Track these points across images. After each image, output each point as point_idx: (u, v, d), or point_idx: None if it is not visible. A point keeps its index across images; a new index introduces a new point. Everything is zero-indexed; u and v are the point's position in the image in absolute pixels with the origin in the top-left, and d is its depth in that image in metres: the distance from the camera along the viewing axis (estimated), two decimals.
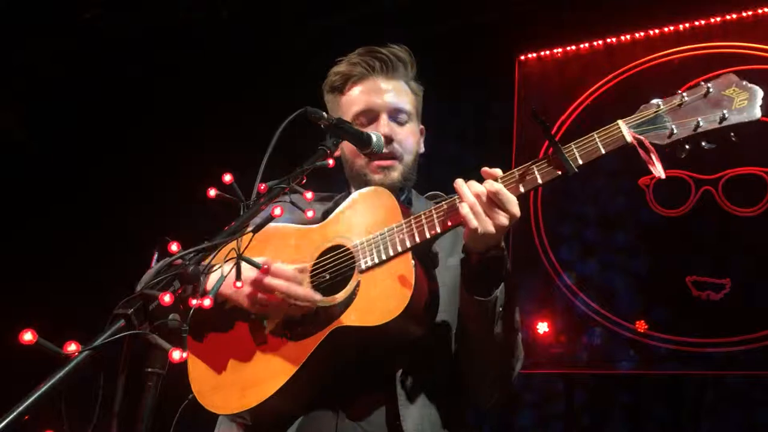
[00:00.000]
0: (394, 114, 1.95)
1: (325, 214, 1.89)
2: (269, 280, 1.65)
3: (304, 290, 1.69)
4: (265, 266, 1.45)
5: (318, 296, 1.70)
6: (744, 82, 1.56)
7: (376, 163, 1.90)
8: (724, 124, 1.53)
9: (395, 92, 1.97)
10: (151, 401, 1.16)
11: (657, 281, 4.48)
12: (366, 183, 1.92)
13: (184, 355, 1.14)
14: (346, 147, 1.93)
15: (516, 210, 1.57)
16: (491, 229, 1.56)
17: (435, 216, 1.67)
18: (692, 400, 4.28)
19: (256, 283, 1.65)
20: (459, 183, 1.62)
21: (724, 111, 1.53)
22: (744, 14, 4.61)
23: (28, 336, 1.05)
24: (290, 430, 1.71)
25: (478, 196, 1.57)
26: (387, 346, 1.70)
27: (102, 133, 5.57)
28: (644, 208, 4.58)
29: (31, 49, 5.33)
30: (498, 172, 1.63)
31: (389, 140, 1.90)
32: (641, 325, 4.43)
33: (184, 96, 5.39)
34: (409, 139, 1.97)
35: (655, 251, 4.55)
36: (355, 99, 1.97)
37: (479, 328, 1.70)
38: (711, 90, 1.56)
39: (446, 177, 1.76)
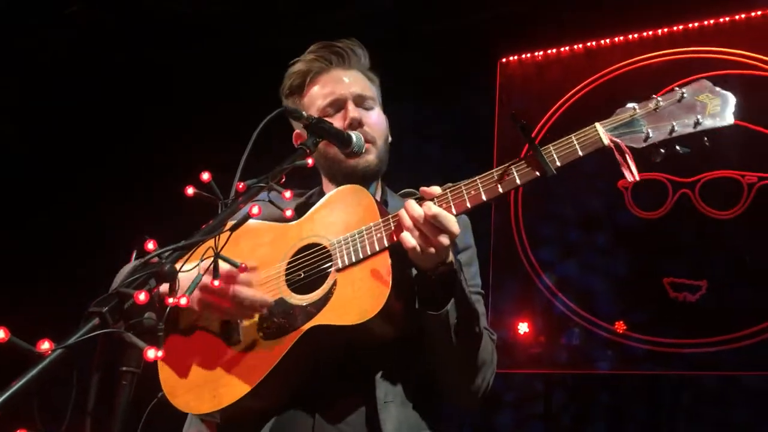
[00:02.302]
0: (360, 101, 1.95)
1: (299, 210, 1.85)
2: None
3: (254, 293, 1.66)
4: (243, 265, 1.44)
5: (269, 299, 1.68)
6: (717, 88, 1.58)
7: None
8: (698, 128, 1.55)
9: (357, 81, 1.98)
10: (125, 400, 1.15)
11: (635, 283, 4.53)
12: (342, 170, 1.91)
13: (160, 353, 1.12)
14: None
15: (455, 228, 1.58)
16: (431, 249, 1.58)
17: None
18: (669, 400, 4.34)
19: (205, 288, 1.62)
20: (401, 212, 1.63)
21: (698, 116, 1.55)
22: (721, 20, 4.68)
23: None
24: (263, 430, 1.68)
25: (416, 220, 1.58)
26: (364, 345, 1.68)
27: (97, 133, 5.51)
28: (622, 210, 4.63)
29: (23, 47, 5.25)
30: (437, 190, 1.64)
31: (360, 124, 1.90)
32: (620, 326, 4.47)
33: (179, 95, 5.34)
34: (379, 123, 1.97)
35: (633, 253, 4.60)
36: (318, 93, 1.96)
37: (434, 342, 1.70)
38: (685, 95, 1.59)
39: (427, 177, 1.77)
